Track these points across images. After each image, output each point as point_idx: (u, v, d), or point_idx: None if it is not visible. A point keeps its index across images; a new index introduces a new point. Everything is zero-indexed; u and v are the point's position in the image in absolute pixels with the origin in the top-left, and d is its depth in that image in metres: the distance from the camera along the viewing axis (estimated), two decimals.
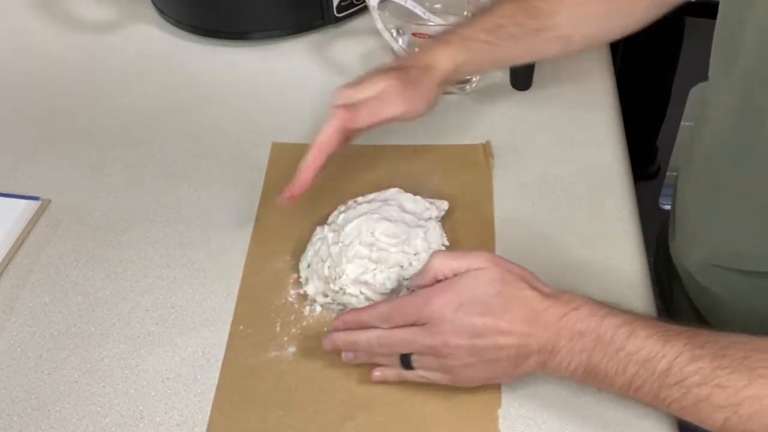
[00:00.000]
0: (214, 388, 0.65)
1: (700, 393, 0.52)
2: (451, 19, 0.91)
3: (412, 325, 0.59)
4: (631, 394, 0.55)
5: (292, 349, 0.67)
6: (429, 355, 0.59)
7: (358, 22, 1.02)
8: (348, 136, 0.72)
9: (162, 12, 1.04)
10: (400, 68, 0.71)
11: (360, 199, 0.74)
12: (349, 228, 0.69)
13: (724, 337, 0.54)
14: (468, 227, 0.75)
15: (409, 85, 0.69)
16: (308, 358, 0.66)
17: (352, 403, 0.63)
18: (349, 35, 1.01)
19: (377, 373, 0.63)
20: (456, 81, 0.74)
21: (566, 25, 0.75)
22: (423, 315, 0.58)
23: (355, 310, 0.64)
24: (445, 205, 0.75)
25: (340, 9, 0.99)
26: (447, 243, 0.71)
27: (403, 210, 0.71)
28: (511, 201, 0.78)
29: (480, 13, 0.76)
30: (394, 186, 0.75)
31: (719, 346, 0.53)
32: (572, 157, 0.83)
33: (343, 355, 0.64)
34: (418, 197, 0.74)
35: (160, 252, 0.76)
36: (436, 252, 0.61)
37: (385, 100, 0.69)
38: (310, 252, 0.72)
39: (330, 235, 0.70)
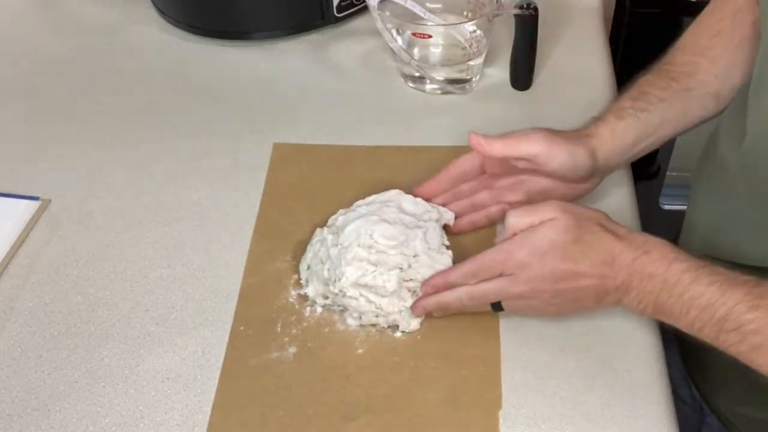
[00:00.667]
0: (214, 388, 0.65)
1: (755, 340, 0.55)
2: (451, 19, 0.91)
3: (499, 275, 0.63)
4: (695, 332, 0.58)
5: (292, 350, 0.67)
6: (517, 300, 0.64)
7: (358, 22, 1.02)
8: (481, 165, 0.74)
9: (162, 12, 1.04)
10: (556, 131, 0.71)
11: (360, 201, 0.74)
12: (348, 230, 0.69)
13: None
14: (470, 228, 0.75)
15: (558, 135, 0.69)
16: (309, 358, 0.66)
17: (353, 404, 0.63)
18: (349, 35, 1.01)
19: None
20: (613, 168, 0.74)
21: (710, 81, 0.74)
22: (508, 267, 0.63)
23: (441, 272, 0.67)
24: (449, 215, 0.74)
25: (340, 9, 0.99)
26: (447, 243, 0.71)
27: (403, 211, 0.71)
28: None
29: (622, 90, 0.76)
30: (394, 187, 0.75)
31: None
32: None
33: (435, 312, 0.67)
34: (418, 199, 0.74)
35: (160, 252, 0.76)
36: (512, 210, 0.64)
37: (526, 137, 0.69)
38: (309, 254, 0.72)
39: (329, 237, 0.70)
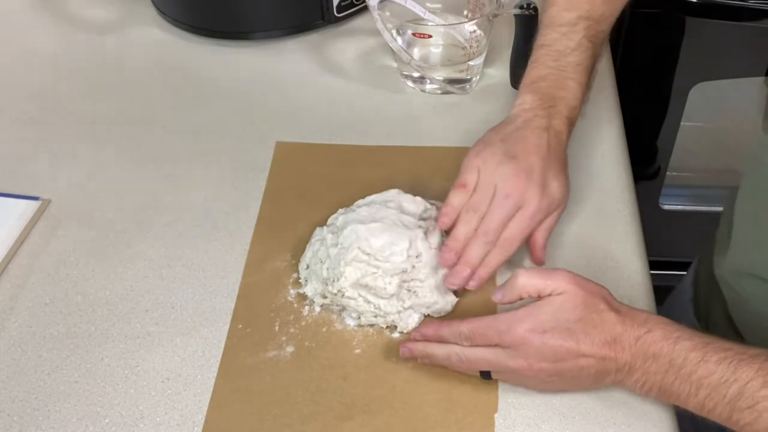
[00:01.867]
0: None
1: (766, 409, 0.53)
2: (451, 19, 0.91)
3: (495, 345, 0.61)
4: (705, 413, 0.56)
5: (290, 349, 0.67)
6: (511, 374, 0.62)
7: (358, 22, 1.02)
8: None
9: (162, 12, 1.04)
10: (547, 141, 0.72)
11: (360, 201, 0.74)
12: (347, 231, 0.69)
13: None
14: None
15: (565, 165, 0.72)
16: (306, 358, 0.66)
17: (349, 404, 0.63)
18: (349, 35, 1.01)
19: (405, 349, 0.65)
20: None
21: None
22: (505, 340, 0.60)
23: (435, 323, 0.65)
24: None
25: (340, 9, 0.99)
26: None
27: (403, 211, 0.71)
28: None
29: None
30: (394, 186, 0.75)
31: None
32: (572, 157, 0.83)
33: (420, 359, 0.65)
34: (417, 198, 0.73)
35: (160, 252, 0.76)
36: (521, 270, 0.62)
37: (557, 213, 0.72)
38: (308, 253, 0.72)
39: (329, 237, 0.70)
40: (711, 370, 0.55)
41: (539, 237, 0.71)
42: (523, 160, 0.69)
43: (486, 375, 0.63)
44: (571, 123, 0.74)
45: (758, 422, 0.54)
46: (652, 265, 0.75)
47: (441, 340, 0.64)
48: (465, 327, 0.62)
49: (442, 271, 0.69)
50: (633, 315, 0.60)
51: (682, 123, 1.41)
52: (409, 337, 0.67)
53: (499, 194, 0.68)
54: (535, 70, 0.76)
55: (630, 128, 0.88)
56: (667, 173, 1.49)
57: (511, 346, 0.60)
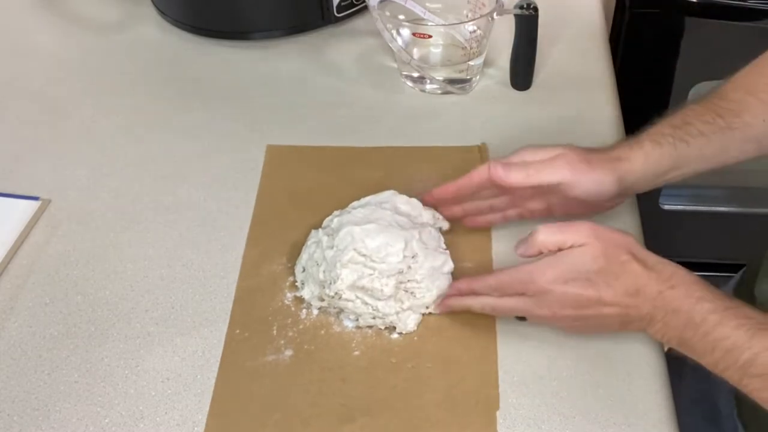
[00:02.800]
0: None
1: None
2: (451, 19, 0.91)
3: (521, 294, 0.63)
4: (718, 372, 0.58)
5: (289, 353, 0.67)
6: (539, 320, 0.65)
7: (358, 22, 1.02)
8: (499, 186, 0.70)
9: (162, 12, 1.04)
10: (589, 149, 0.70)
11: (355, 203, 0.74)
12: (342, 233, 0.69)
13: None
14: (464, 229, 0.75)
15: (583, 161, 0.68)
16: (305, 361, 0.66)
17: (350, 406, 0.63)
18: (349, 35, 1.01)
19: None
20: (640, 191, 0.73)
21: (756, 125, 0.71)
22: (529, 290, 0.63)
23: (467, 278, 0.68)
24: (444, 223, 0.74)
25: (340, 9, 0.99)
26: (444, 246, 0.71)
27: (398, 212, 0.71)
28: None
29: (667, 114, 0.73)
30: (391, 188, 0.75)
31: None
32: None
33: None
34: (413, 199, 0.73)
35: (160, 252, 0.76)
36: (542, 226, 0.63)
37: (549, 165, 0.67)
38: (304, 255, 0.72)
39: (324, 239, 0.70)
40: (726, 335, 0.56)
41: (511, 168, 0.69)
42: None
43: (522, 318, 0.66)
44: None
45: (766, 390, 0.55)
46: None
47: (474, 293, 0.66)
48: (492, 279, 0.65)
49: (440, 271, 0.69)
50: (659, 268, 0.60)
51: None
52: (407, 334, 0.68)
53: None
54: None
55: (630, 128, 0.88)
56: None
57: (536, 295, 0.62)
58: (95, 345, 0.68)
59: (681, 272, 0.60)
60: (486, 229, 0.75)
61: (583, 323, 0.63)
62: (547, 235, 0.62)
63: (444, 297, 0.69)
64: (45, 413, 0.64)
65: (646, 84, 1.58)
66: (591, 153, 0.69)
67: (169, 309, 0.71)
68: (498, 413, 0.62)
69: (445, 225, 0.74)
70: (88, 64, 1.00)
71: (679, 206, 1.53)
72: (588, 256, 0.61)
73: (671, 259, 0.83)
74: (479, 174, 0.70)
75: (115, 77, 0.97)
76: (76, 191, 0.82)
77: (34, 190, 0.82)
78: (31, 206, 0.79)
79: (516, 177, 0.68)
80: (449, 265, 0.69)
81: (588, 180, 0.68)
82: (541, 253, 0.63)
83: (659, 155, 0.69)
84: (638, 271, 0.60)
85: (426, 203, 0.74)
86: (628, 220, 0.77)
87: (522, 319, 0.66)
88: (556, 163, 0.68)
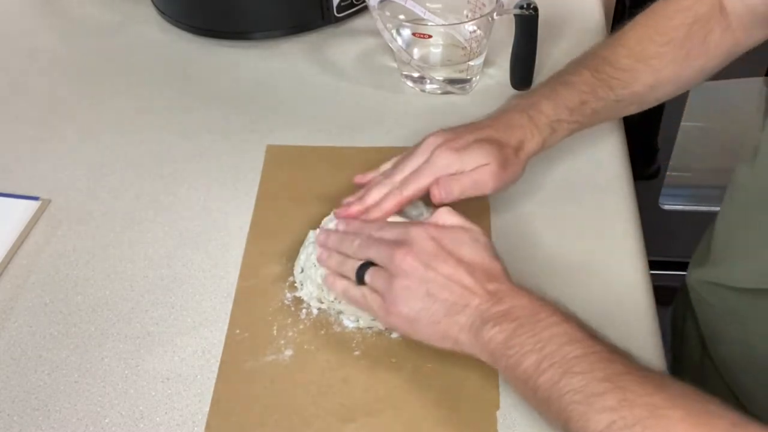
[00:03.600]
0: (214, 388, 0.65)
1: (598, 389, 0.51)
2: (451, 19, 0.91)
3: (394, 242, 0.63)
4: (535, 377, 0.54)
5: (289, 353, 0.67)
6: (383, 270, 0.62)
7: (358, 22, 1.02)
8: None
9: (162, 12, 1.04)
10: (496, 143, 0.70)
11: None
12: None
13: (650, 369, 0.54)
14: None
15: (503, 167, 0.70)
16: (306, 361, 0.66)
17: (350, 406, 0.63)
18: (349, 35, 1.01)
19: (329, 279, 0.67)
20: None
21: (641, 92, 0.75)
22: (407, 231, 0.63)
23: (361, 220, 0.68)
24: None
25: (340, 9, 0.99)
26: None
27: (399, 212, 0.71)
28: (509, 201, 0.78)
29: (563, 80, 0.75)
30: None
31: (641, 365, 0.53)
32: (572, 157, 0.83)
33: (320, 253, 0.68)
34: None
35: (160, 252, 0.76)
36: (445, 207, 0.65)
37: (480, 181, 0.69)
38: (302, 256, 0.71)
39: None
40: (565, 331, 0.55)
41: (452, 186, 0.69)
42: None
43: (360, 275, 0.64)
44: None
45: (585, 389, 0.51)
46: (652, 265, 0.75)
47: (358, 231, 0.66)
48: (382, 223, 0.67)
49: None
50: (521, 286, 0.60)
51: (682, 123, 1.41)
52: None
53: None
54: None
55: (630, 128, 0.88)
56: (667, 173, 1.49)
57: (406, 237, 0.62)
58: (95, 345, 0.68)
59: (546, 299, 0.59)
60: (486, 229, 0.75)
61: (418, 286, 0.60)
62: (446, 214, 0.64)
63: (326, 229, 0.69)
64: (45, 413, 0.64)
65: None
66: (503, 152, 0.70)
67: (169, 309, 0.71)
68: (498, 413, 0.62)
69: None
70: (88, 64, 1.00)
71: (679, 206, 1.53)
72: (469, 237, 0.62)
73: (671, 259, 0.83)
74: (413, 192, 0.69)
75: (115, 77, 0.98)
76: (76, 191, 0.82)
77: (34, 190, 0.82)
78: (31, 206, 0.79)
79: (453, 195, 0.69)
80: None
81: (507, 183, 0.71)
82: (435, 222, 0.64)
83: (555, 140, 0.73)
84: (502, 275, 0.61)
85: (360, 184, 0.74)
86: (628, 220, 0.77)
87: (360, 279, 0.64)
88: (483, 177, 0.69)
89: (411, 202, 0.70)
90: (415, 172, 0.69)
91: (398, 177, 0.70)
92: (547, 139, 0.73)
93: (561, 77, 0.75)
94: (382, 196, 0.69)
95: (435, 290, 0.60)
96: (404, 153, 0.73)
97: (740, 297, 0.71)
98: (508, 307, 0.58)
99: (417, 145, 0.72)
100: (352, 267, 0.65)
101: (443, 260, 0.60)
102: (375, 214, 0.69)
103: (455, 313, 0.59)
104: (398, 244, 0.62)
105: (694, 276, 0.79)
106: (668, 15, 0.74)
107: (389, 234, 0.64)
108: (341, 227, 0.69)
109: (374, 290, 0.63)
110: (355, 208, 0.70)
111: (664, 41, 0.74)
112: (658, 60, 0.74)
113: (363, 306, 0.65)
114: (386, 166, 0.73)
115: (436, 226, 0.63)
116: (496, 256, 0.62)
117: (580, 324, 0.56)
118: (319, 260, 0.68)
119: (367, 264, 0.64)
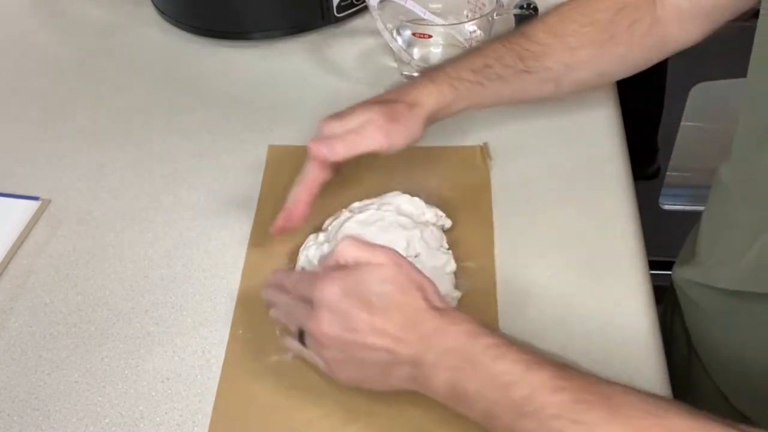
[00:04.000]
0: (214, 389, 0.65)
1: (554, 425, 0.49)
2: (451, 19, 0.91)
3: (309, 301, 0.59)
4: (490, 422, 0.52)
5: (292, 353, 0.67)
6: (311, 339, 0.59)
7: (358, 22, 1.02)
8: (332, 167, 0.71)
9: (162, 12, 1.04)
10: (385, 102, 0.70)
11: (357, 204, 0.74)
12: (341, 236, 0.68)
13: (596, 378, 0.52)
14: (466, 229, 0.75)
15: (391, 120, 0.68)
16: (308, 361, 0.66)
17: (353, 407, 0.63)
18: (349, 35, 1.01)
19: (287, 341, 0.64)
20: (442, 118, 0.74)
21: (556, 69, 0.74)
22: (312, 295, 0.58)
23: (285, 270, 0.68)
24: (447, 221, 0.74)
25: (340, 9, 0.99)
26: (446, 246, 0.71)
27: (400, 213, 0.71)
28: (510, 202, 0.78)
29: (470, 51, 0.76)
30: (391, 188, 0.75)
31: (588, 382, 0.51)
32: (572, 157, 0.83)
33: (271, 311, 0.65)
34: (415, 198, 0.73)
35: (160, 252, 0.76)
36: (347, 237, 0.60)
37: (364, 134, 0.68)
38: (302, 258, 0.71)
39: (325, 246, 0.70)
40: (505, 370, 0.51)
41: (335, 144, 0.69)
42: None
43: (301, 337, 0.60)
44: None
45: (540, 429, 0.49)
46: (652, 265, 0.74)
47: (279, 287, 0.64)
48: (295, 276, 0.64)
49: (443, 271, 0.69)
50: (444, 311, 0.56)
51: (682, 123, 1.41)
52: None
53: None
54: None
55: (630, 128, 0.88)
56: (667, 173, 1.49)
57: (313, 303, 0.57)
58: (95, 345, 0.68)
59: (466, 316, 0.56)
60: (488, 229, 0.75)
61: (348, 354, 0.57)
62: (347, 247, 0.59)
63: (267, 283, 0.66)
64: (45, 413, 0.64)
65: (646, 84, 1.58)
66: (392, 107, 0.69)
67: (169, 309, 0.71)
68: None
69: (448, 223, 0.74)
70: (88, 64, 1.00)
71: (679, 206, 1.53)
72: (375, 277, 0.56)
73: (671, 259, 0.83)
74: (313, 174, 0.70)
75: (115, 77, 0.97)
76: (76, 191, 0.82)
77: (34, 190, 0.82)
78: (31, 206, 0.79)
79: (339, 152, 0.68)
80: (451, 265, 0.69)
81: (401, 138, 0.69)
82: (337, 262, 0.59)
83: (454, 98, 0.72)
84: (421, 307, 0.55)
85: (286, 231, 0.71)
86: (628, 220, 0.77)
87: (302, 341, 0.60)
88: (368, 131, 0.68)
89: (317, 183, 0.70)
90: (313, 161, 0.69)
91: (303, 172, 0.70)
92: (448, 97, 0.71)
93: (477, 46, 0.75)
94: (292, 193, 0.70)
95: (362, 354, 0.56)
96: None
97: (723, 298, 0.71)
98: (437, 353, 0.54)
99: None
100: (295, 329, 0.62)
101: (357, 317, 0.55)
102: (295, 211, 0.69)
103: (392, 370, 0.56)
104: (310, 309, 0.58)
105: (679, 274, 0.79)
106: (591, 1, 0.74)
107: (301, 293, 0.60)
108: (271, 280, 0.66)
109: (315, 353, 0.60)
110: (280, 216, 0.70)
111: (587, 22, 0.73)
112: (576, 38, 0.73)
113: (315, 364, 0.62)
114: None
115: (341, 271, 0.58)
116: (411, 285, 0.57)
117: (512, 351, 0.53)
118: (272, 317, 0.65)
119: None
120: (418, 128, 0.71)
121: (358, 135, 0.68)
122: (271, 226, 0.71)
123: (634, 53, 0.74)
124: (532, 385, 0.50)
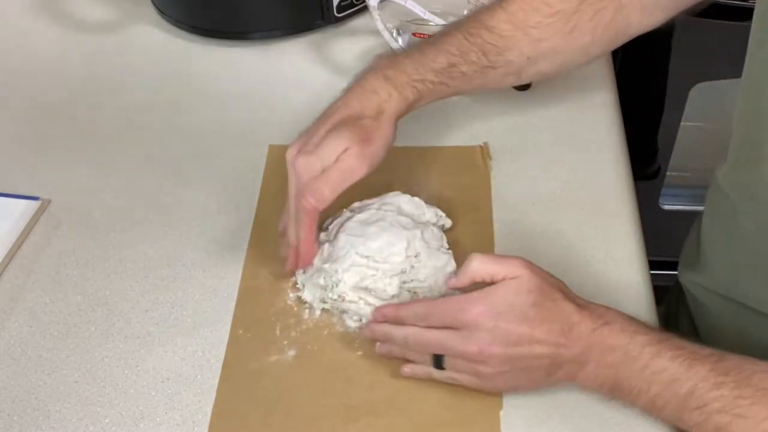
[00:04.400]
0: (214, 388, 0.65)
1: (720, 420, 0.53)
2: (451, 19, 0.91)
3: (449, 327, 0.60)
4: (655, 413, 0.56)
5: (292, 353, 0.67)
6: (462, 359, 0.60)
7: (358, 22, 1.02)
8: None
9: (162, 12, 1.04)
10: (352, 123, 0.67)
11: (357, 204, 0.74)
12: (343, 238, 0.69)
13: (750, 364, 0.54)
14: (467, 228, 0.75)
15: (365, 142, 0.66)
16: (309, 361, 0.66)
17: (353, 407, 0.63)
18: (349, 35, 1.01)
19: (407, 369, 0.63)
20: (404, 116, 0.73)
21: (518, 62, 0.73)
22: (458, 321, 0.59)
23: (394, 304, 0.65)
24: (448, 221, 0.74)
25: (340, 9, 0.99)
26: (446, 246, 0.71)
27: (401, 213, 0.71)
28: (510, 201, 0.78)
29: (431, 43, 0.73)
30: (391, 188, 0.75)
31: (744, 375, 0.54)
32: (572, 157, 0.83)
33: (378, 346, 0.65)
34: (415, 198, 0.73)
35: (160, 252, 0.76)
36: (475, 254, 0.61)
37: (346, 168, 0.65)
38: None
39: (325, 243, 0.70)
40: (664, 366, 0.55)
41: (321, 187, 0.66)
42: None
43: (438, 361, 0.61)
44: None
45: (706, 424, 0.53)
46: (652, 265, 0.75)
47: (399, 322, 0.63)
48: (421, 307, 0.62)
49: (443, 271, 0.69)
50: (591, 307, 0.59)
51: (682, 123, 1.41)
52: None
53: None
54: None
55: (630, 128, 0.88)
56: (667, 173, 1.49)
57: (464, 327, 0.59)
58: (95, 345, 0.68)
59: (612, 311, 0.59)
60: (489, 230, 0.75)
61: (510, 368, 0.59)
62: (481, 263, 0.60)
63: (369, 320, 0.65)
64: (45, 413, 0.64)
65: (646, 84, 1.58)
66: (361, 127, 0.67)
67: (169, 309, 0.71)
68: (501, 413, 0.62)
69: (448, 223, 0.74)
70: (89, 64, 1.00)
71: (679, 206, 1.53)
72: (523, 288, 0.58)
73: (671, 259, 0.83)
74: (308, 221, 0.67)
75: (115, 77, 0.97)
76: (76, 191, 0.82)
77: (34, 190, 0.82)
78: (31, 206, 0.79)
79: (329, 196, 0.65)
80: (452, 265, 0.69)
81: (379, 155, 0.67)
82: (473, 282, 0.61)
83: (416, 99, 0.70)
84: (571, 309, 0.58)
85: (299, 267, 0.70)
86: (628, 220, 0.77)
87: (438, 366, 0.61)
88: (348, 163, 0.65)
89: (313, 221, 0.66)
90: (294, 197, 0.67)
91: (291, 207, 0.67)
92: (410, 99, 0.70)
93: (432, 38, 0.73)
94: (292, 231, 0.68)
95: (526, 364, 0.59)
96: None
97: (731, 303, 0.71)
98: (598, 352, 0.57)
99: None
100: (422, 358, 0.62)
101: (517, 336, 0.58)
102: (302, 254, 0.68)
103: (555, 372, 0.59)
104: (465, 339, 0.59)
105: (685, 277, 0.79)
106: None
107: (439, 323, 0.60)
108: (378, 317, 0.65)
109: (461, 372, 0.61)
110: (289, 255, 0.69)
111: (551, 12, 0.71)
112: (540, 30, 0.71)
113: (455, 384, 0.62)
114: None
115: (483, 291, 0.59)
116: (552, 289, 0.59)
117: (667, 347, 0.56)
118: (380, 354, 0.65)
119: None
120: (390, 134, 0.69)
121: (339, 172, 0.65)
122: (285, 266, 0.70)
123: (597, 43, 0.73)
124: (693, 382, 0.54)
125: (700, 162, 1.57)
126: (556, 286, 0.60)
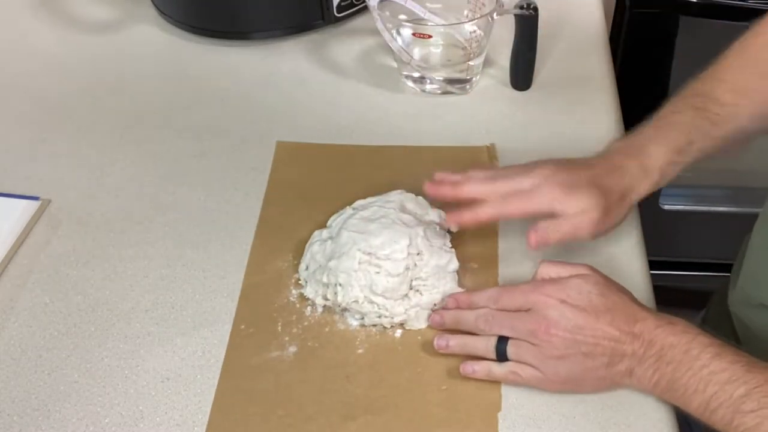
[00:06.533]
0: (214, 388, 0.65)
1: None
2: (451, 19, 0.91)
3: (519, 309, 0.63)
4: (707, 415, 0.57)
5: (293, 349, 0.67)
6: (526, 342, 0.62)
7: (358, 22, 1.02)
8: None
9: (162, 12, 1.04)
10: (602, 190, 0.67)
11: (360, 201, 0.74)
12: (345, 235, 0.69)
13: None
14: (470, 230, 0.75)
15: (605, 214, 0.67)
16: (309, 358, 0.66)
17: (353, 404, 0.63)
18: (349, 35, 1.01)
19: (468, 368, 0.64)
20: None
21: (747, 126, 0.72)
22: (529, 300, 0.62)
23: (467, 291, 0.68)
24: (452, 228, 0.74)
25: (340, 9, 0.99)
26: (449, 245, 0.71)
27: (404, 211, 0.71)
28: None
29: (669, 119, 0.72)
30: (395, 186, 0.75)
31: None
32: (572, 157, 0.83)
33: (437, 341, 0.66)
34: (419, 197, 0.73)
35: (160, 252, 0.76)
36: (544, 261, 0.65)
37: (580, 228, 0.67)
38: (307, 255, 0.72)
39: (328, 243, 0.70)
40: (723, 367, 0.56)
41: (550, 234, 0.67)
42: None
43: (501, 350, 0.63)
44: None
45: (759, 427, 0.54)
46: (652, 265, 0.75)
47: (471, 306, 0.66)
48: (494, 290, 0.66)
49: (445, 270, 0.69)
50: (656, 311, 0.62)
51: None
52: (411, 334, 0.68)
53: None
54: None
55: (630, 128, 0.88)
56: None
57: (534, 307, 0.62)
58: (95, 345, 0.68)
59: (677, 317, 0.61)
60: (493, 231, 0.75)
61: (572, 351, 0.60)
62: (549, 267, 0.64)
63: (438, 309, 0.67)
64: (45, 413, 0.64)
65: (646, 84, 1.58)
66: (608, 200, 0.67)
67: (169, 309, 0.71)
68: (499, 414, 0.62)
69: (453, 228, 0.74)
70: (88, 64, 1.00)
71: (679, 206, 1.53)
72: (591, 281, 0.62)
73: (671, 259, 0.83)
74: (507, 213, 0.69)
75: (115, 77, 0.97)
76: (76, 191, 0.82)
77: (34, 190, 0.82)
78: (31, 206, 0.79)
79: (549, 244, 0.67)
80: (454, 264, 0.69)
81: (604, 230, 0.69)
82: (541, 279, 0.64)
83: (665, 182, 0.71)
84: (636, 307, 0.61)
85: (433, 194, 0.71)
86: (628, 220, 0.76)
87: (501, 355, 0.63)
88: (584, 225, 0.66)
89: (507, 219, 0.70)
90: (520, 194, 0.67)
91: (501, 187, 0.68)
92: (657, 183, 0.70)
93: (666, 117, 0.72)
94: (478, 193, 0.68)
95: (589, 350, 0.60)
96: (507, 168, 0.72)
97: None
98: (659, 348, 0.59)
99: (524, 166, 0.70)
100: (485, 346, 0.64)
101: (583, 320, 0.60)
102: (467, 217, 0.68)
103: (615, 364, 0.60)
104: (533, 318, 0.61)
105: (734, 297, 0.79)
106: (760, 44, 0.73)
107: (510, 303, 0.63)
108: (451, 304, 0.67)
109: (521, 363, 0.62)
110: (447, 191, 0.69)
111: (763, 72, 0.72)
112: (758, 94, 0.72)
113: (513, 382, 0.63)
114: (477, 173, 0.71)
115: (554, 285, 0.62)
116: (619, 288, 0.63)
117: (728, 351, 0.57)
118: (438, 349, 0.65)
119: (502, 338, 0.63)
120: (624, 216, 0.70)
121: (572, 228, 0.67)
122: (436, 183, 0.70)
123: None
124: (750, 385, 0.55)
125: (700, 162, 1.57)
126: (624, 290, 0.63)
